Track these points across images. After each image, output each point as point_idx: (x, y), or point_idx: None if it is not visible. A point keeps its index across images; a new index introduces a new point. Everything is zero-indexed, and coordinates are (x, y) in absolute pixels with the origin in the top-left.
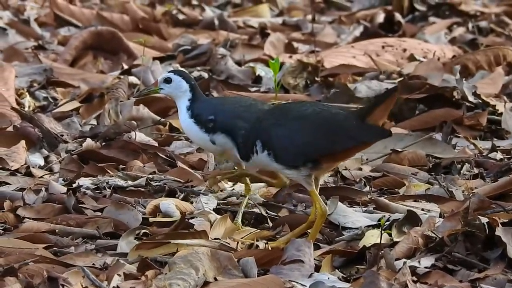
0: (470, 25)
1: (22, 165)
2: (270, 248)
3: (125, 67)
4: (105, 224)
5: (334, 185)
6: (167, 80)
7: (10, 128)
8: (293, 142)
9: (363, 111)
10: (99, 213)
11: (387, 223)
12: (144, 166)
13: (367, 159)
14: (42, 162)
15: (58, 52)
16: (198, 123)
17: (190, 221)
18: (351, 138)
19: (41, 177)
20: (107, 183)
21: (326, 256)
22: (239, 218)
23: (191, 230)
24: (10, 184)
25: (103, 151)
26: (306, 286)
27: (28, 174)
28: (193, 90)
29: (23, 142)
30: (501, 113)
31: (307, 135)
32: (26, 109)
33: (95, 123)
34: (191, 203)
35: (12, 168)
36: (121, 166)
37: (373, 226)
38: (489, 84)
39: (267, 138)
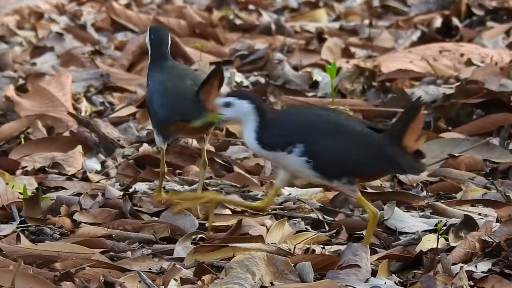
0: None
1: (78, 170)
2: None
3: None
4: (161, 229)
5: (391, 190)
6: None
7: (67, 133)
8: (338, 157)
9: (396, 131)
10: (155, 218)
11: (444, 228)
12: None
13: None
14: (98, 167)
15: (115, 57)
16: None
17: (246, 226)
18: (388, 164)
19: (98, 182)
20: (164, 188)
21: (383, 261)
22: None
23: (247, 235)
24: (66, 189)
25: (160, 156)
26: None
27: (85, 179)
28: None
29: (79, 147)
30: None
31: (351, 153)
32: (83, 114)
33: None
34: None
35: (69, 173)
36: (178, 171)
37: (430, 231)
38: None
39: (312, 146)
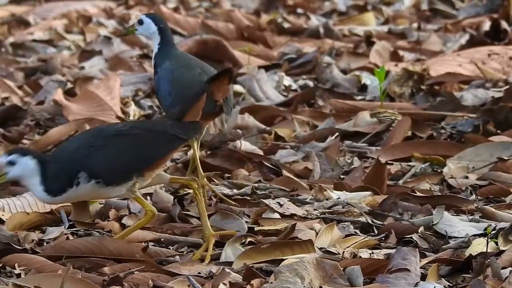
0: None
1: None
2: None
3: None
4: None
5: (440, 194)
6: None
7: None
8: (118, 162)
9: (176, 115)
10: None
11: (494, 231)
12: (250, 175)
13: (473, 168)
14: None
15: None
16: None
17: (296, 230)
18: (169, 142)
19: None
20: (213, 191)
21: (432, 265)
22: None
23: (296, 239)
24: None
25: (209, 160)
26: None
27: None
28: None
29: None
30: None
31: (127, 152)
32: (131, 118)
33: None
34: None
35: None
36: (227, 175)
37: (479, 235)
38: None
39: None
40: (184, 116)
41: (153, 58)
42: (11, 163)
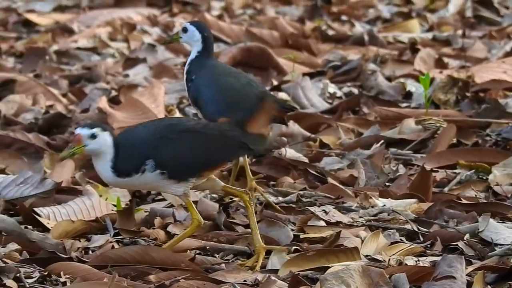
0: None
1: None
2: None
3: (275, 83)
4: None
5: (485, 201)
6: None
7: None
8: (187, 158)
9: (241, 120)
10: (249, 230)
11: None
12: (295, 182)
13: None
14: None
15: None
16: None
17: (341, 237)
18: (237, 149)
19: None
20: (258, 199)
21: (478, 272)
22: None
23: (342, 247)
24: (160, 201)
25: (254, 168)
26: None
27: None
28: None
29: None
30: None
31: (198, 150)
32: None
33: None
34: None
35: None
36: (272, 183)
37: None
38: None
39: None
40: (245, 125)
41: (186, 64)
42: (93, 137)
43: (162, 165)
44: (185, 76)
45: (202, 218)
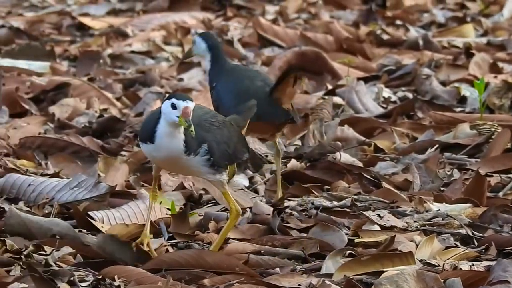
0: None
1: None
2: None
3: (329, 87)
4: (310, 244)
5: None
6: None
7: None
8: (231, 148)
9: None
10: (304, 234)
11: None
12: (349, 187)
13: None
14: (246, 183)
15: None
16: None
17: (396, 242)
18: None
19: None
20: (312, 203)
21: None
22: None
23: (397, 251)
24: (214, 204)
25: (308, 172)
26: None
27: None
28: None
29: None
30: None
31: (235, 141)
32: None
33: (300, 144)
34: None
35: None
36: (326, 187)
37: None
38: None
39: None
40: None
41: (207, 75)
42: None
43: (212, 150)
44: (208, 86)
45: (239, 208)
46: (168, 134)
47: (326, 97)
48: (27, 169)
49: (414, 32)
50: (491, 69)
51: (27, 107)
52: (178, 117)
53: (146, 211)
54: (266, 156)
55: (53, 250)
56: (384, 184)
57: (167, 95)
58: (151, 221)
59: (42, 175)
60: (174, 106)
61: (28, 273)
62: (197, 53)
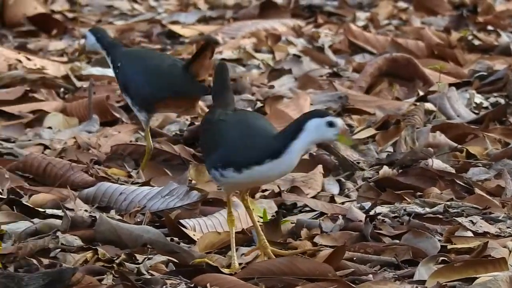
0: None
1: (318, 192)
2: None
3: (421, 93)
4: (403, 251)
5: None
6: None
7: (306, 156)
8: None
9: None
10: (397, 241)
11: None
12: (442, 193)
13: None
14: (337, 190)
15: (353, 79)
16: None
17: (488, 248)
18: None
19: (343, 203)
20: (405, 210)
21: None
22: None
23: (489, 257)
24: (307, 212)
25: (400, 178)
26: None
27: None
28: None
29: (320, 167)
30: None
31: None
32: None
33: (392, 150)
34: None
35: (308, 196)
36: (418, 193)
37: None
38: None
39: None
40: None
41: (110, 63)
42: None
43: None
44: (112, 69)
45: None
46: (300, 151)
47: (418, 104)
48: (118, 178)
49: (505, 38)
50: None
51: (117, 115)
52: (335, 135)
53: (238, 219)
54: (358, 163)
55: (145, 258)
56: (477, 190)
57: (258, 102)
58: (242, 229)
59: (133, 183)
60: (331, 124)
61: (120, 281)
62: (90, 47)
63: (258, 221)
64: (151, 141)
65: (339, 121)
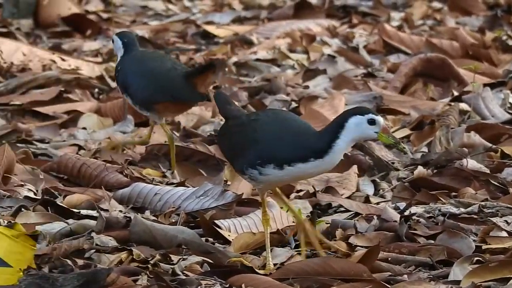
0: None
1: (353, 193)
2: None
3: (455, 94)
4: (438, 251)
5: None
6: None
7: None
8: None
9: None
10: (431, 241)
11: None
12: (476, 193)
13: None
14: (372, 191)
15: (388, 79)
16: None
17: None
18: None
19: (377, 203)
20: (439, 210)
21: None
22: None
23: None
24: (342, 212)
25: (435, 179)
26: None
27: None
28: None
29: (355, 167)
30: None
31: None
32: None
33: (426, 151)
34: None
35: (343, 196)
36: (453, 194)
37: None
38: None
39: None
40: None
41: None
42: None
43: None
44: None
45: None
46: (343, 150)
47: (452, 104)
48: (153, 178)
49: None
50: None
51: None
52: (376, 132)
53: (273, 219)
54: (393, 163)
55: (180, 259)
56: (511, 190)
57: (293, 103)
58: (277, 229)
59: (168, 183)
60: (372, 122)
61: (155, 282)
62: (116, 51)
63: (293, 222)
64: (168, 130)
65: (380, 119)
